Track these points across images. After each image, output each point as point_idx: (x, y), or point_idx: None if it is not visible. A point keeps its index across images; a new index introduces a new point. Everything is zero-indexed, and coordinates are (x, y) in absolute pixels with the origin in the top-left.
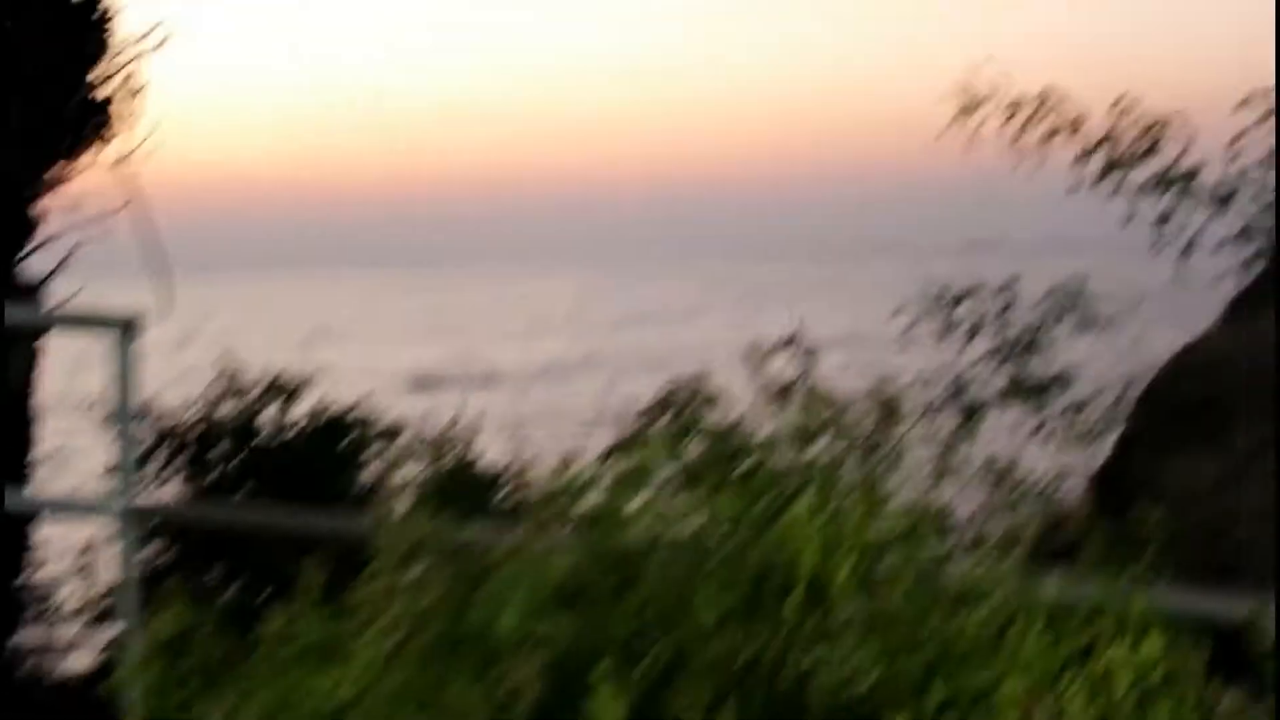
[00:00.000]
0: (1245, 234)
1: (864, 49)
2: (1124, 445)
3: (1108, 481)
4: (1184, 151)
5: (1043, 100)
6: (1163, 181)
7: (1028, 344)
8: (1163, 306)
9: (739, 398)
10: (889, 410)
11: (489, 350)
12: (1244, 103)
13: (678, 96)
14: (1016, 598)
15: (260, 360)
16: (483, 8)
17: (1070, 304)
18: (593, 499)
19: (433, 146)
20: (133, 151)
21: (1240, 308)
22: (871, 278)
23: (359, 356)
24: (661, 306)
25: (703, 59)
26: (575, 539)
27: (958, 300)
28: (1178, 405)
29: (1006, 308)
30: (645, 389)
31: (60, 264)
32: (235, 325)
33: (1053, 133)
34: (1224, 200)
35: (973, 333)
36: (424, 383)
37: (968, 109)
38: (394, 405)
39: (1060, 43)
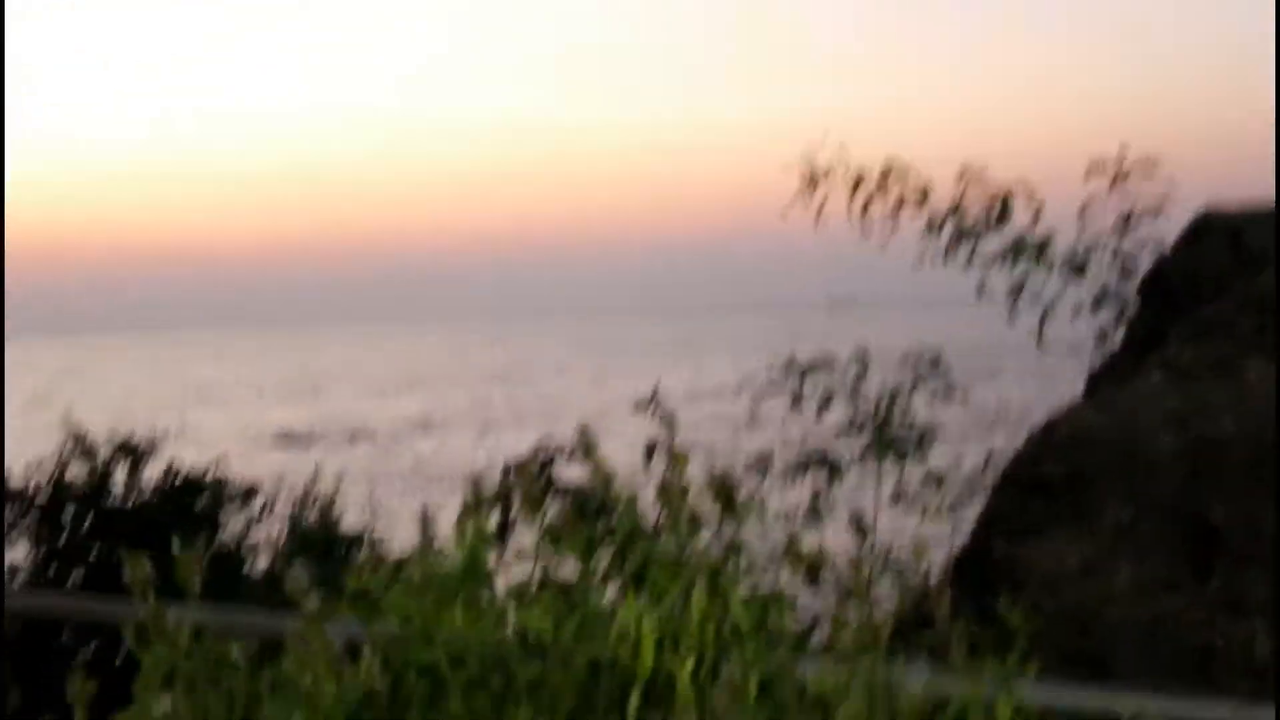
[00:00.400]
0: (1101, 300)
1: (717, 113)
2: (986, 526)
3: (969, 565)
4: (1035, 220)
5: (886, 172)
6: (1014, 251)
7: (886, 410)
8: (1020, 372)
9: (605, 454)
10: (726, 493)
11: (358, 407)
12: (1091, 171)
13: (546, 155)
14: (878, 697)
15: (122, 420)
16: (345, 74)
17: (926, 371)
18: (401, 600)
19: (301, 208)
20: None
21: (1101, 380)
22: (733, 335)
23: (224, 416)
24: (528, 362)
25: (574, 119)
26: (375, 648)
27: (804, 372)
28: (1040, 484)
29: (860, 376)
30: (513, 444)
31: None
32: (96, 386)
33: (900, 203)
34: (1079, 268)
35: (825, 401)
36: (290, 440)
37: (812, 182)
38: (260, 463)
39: (905, 112)
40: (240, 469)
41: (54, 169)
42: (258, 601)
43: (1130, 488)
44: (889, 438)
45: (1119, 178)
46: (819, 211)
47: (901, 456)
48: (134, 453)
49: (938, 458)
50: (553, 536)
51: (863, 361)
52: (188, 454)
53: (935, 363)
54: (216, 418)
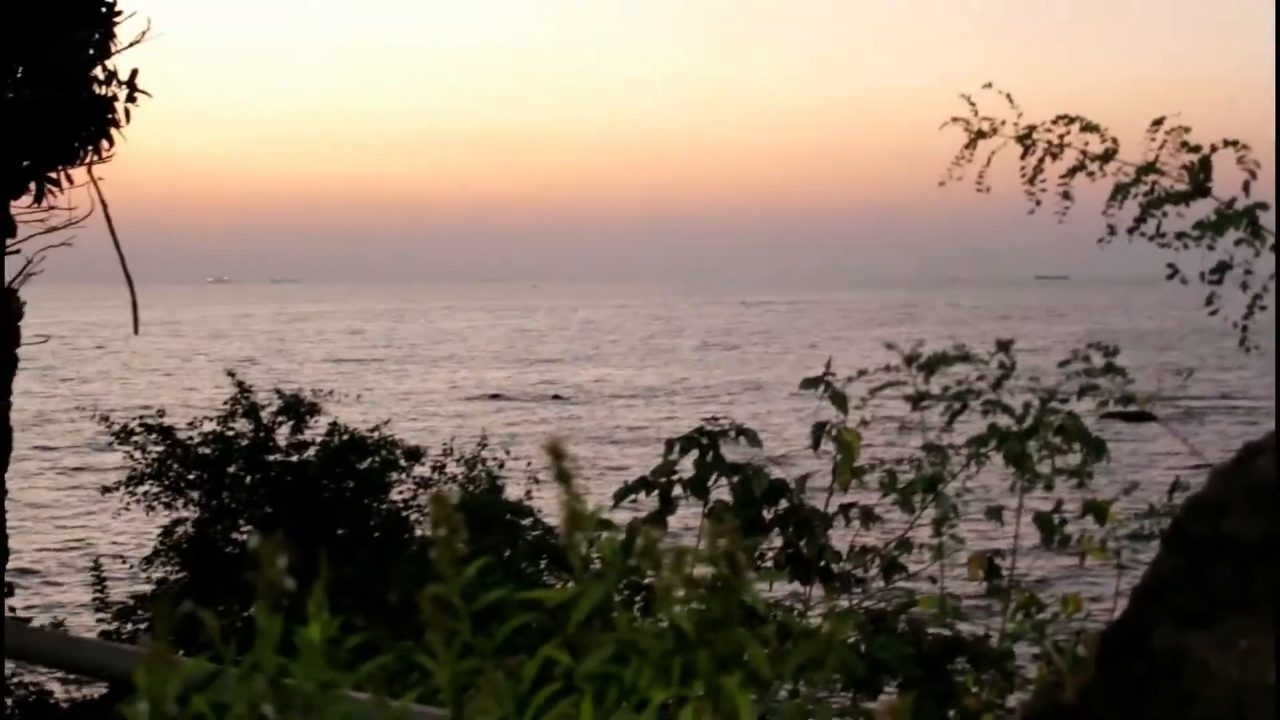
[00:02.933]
0: None
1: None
2: (1146, 599)
3: (1120, 649)
4: (1246, 188)
5: (1060, 125)
6: (1216, 223)
7: (1035, 421)
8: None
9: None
10: None
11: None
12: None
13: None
14: None
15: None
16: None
17: (1099, 374)
18: None
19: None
20: (108, 156)
21: None
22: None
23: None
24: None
25: (689, 87)
26: None
27: (928, 367)
28: (1226, 545)
29: (1004, 377)
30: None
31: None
32: (219, 336)
33: (1080, 165)
34: None
35: (957, 408)
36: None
37: (974, 138)
38: (472, 420)
39: (1082, 73)
40: (437, 426)
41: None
42: (422, 565)
43: None
44: (1029, 452)
45: None
46: (981, 175)
47: (1045, 480)
48: (298, 411)
49: (1109, 483)
50: (717, 516)
51: (1007, 356)
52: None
53: (1110, 367)
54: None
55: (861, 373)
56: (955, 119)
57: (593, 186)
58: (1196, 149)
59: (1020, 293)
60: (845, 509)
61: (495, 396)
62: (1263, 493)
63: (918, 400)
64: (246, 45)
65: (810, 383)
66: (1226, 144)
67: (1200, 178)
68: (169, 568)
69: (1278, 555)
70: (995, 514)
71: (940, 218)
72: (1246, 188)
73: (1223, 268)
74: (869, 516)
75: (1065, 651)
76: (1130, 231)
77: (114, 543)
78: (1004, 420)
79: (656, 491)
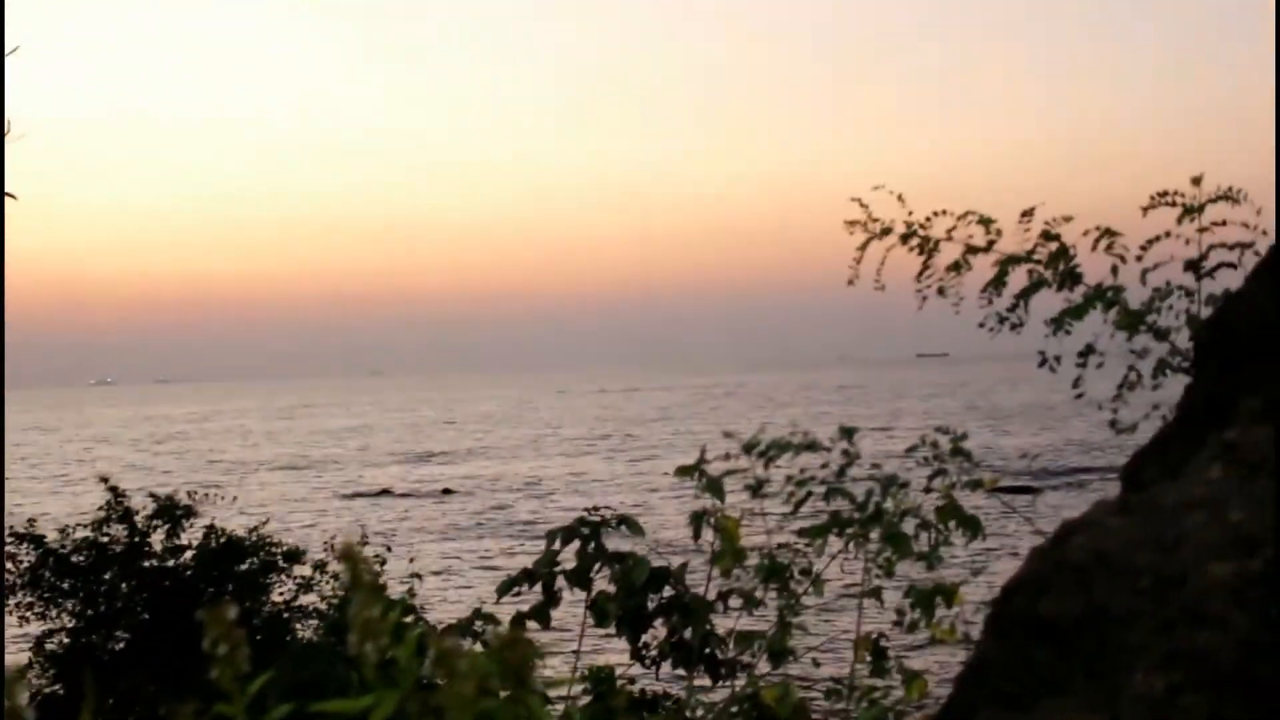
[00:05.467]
0: (1165, 365)
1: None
2: (971, 682)
3: None
4: (1115, 271)
5: (949, 221)
6: (1080, 307)
7: (875, 507)
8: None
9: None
10: None
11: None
12: (1155, 204)
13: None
14: None
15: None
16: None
17: (949, 459)
18: None
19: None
20: None
21: (1143, 473)
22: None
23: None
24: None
25: (585, 172)
26: None
27: (766, 454)
28: (1046, 625)
29: (846, 465)
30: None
31: None
32: (99, 438)
33: (958, 264)
34: (1143, 322)
35: (801, 496)
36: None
37: (869, 241)
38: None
39: (952, 159)
40: (323, 525)
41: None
42: (303, 669)
43: (1171, 641)
44: (905, 533)
45: (1189, 211)
46: (878, 273)
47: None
48: (173, 514)
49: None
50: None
51: (850, 444)
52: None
53: (957, 450)
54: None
55: (706, 463)
56: (850, 222)
57: (475, 279)
58: (1056, 237)
59: (906, 369)
60: (725, 594)
61: (384, 492)
62: (1078, 572)
63: (757, 488)
64: (122, 136)
65: (685, 470)
66: (1101, 233)
67: (1061, 265)
68: (42, 680)
69: (1094, 634)
70: (874, 593)
71: (830, 299)
72: (1115, 271)
73: (1088, 350)
74: (750, 601)
75: None
76: (1001, 321)
77: None
78: (847, 507)
79: (540, 584)
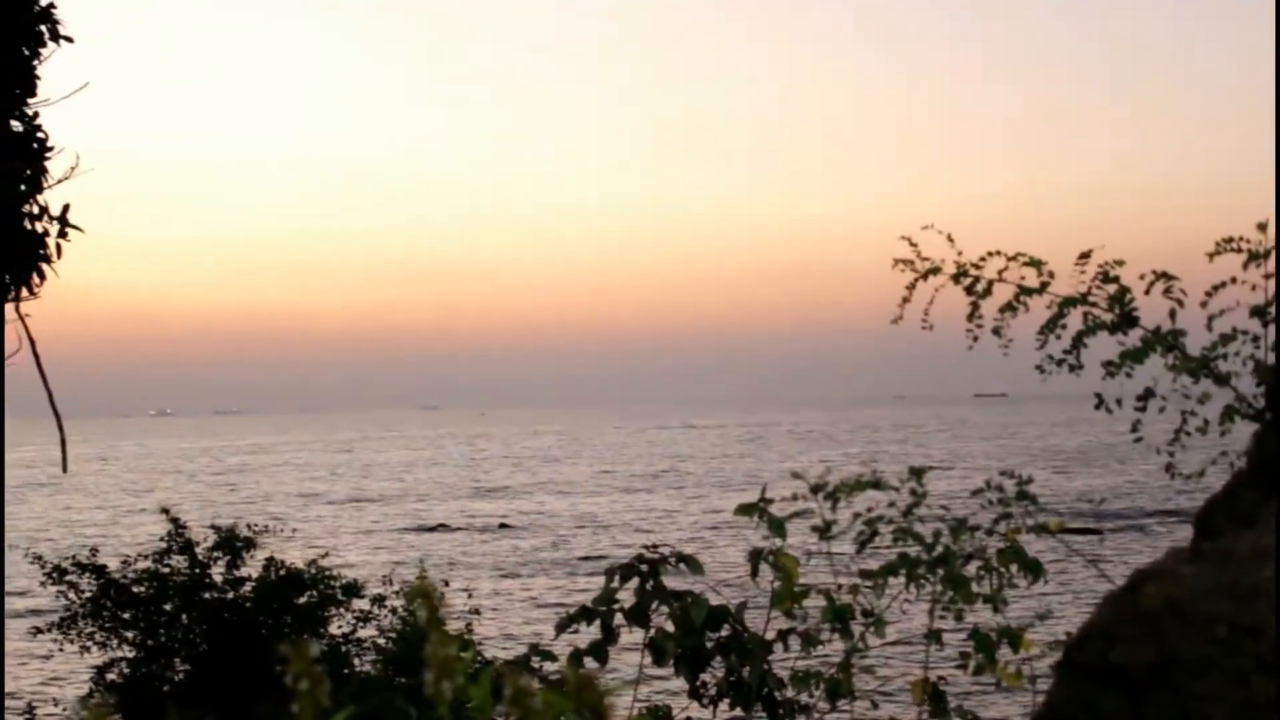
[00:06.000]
0: (1232, 412)
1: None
2: None
3: None
4: (1172, 315)
5: (1001, 262)
6: (1140, 351)
7: (944, 549)
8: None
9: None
10: None
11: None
12: (1220, 250)
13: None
14: None
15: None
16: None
17: (1013, 501)
18: None
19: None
20: (38, 292)
21: (1214, 522)
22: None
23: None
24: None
25: (616, 207)
26: None
27: (833, 495)
28: (1115, 674)
29: (913, 505)
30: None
31: None
32: (153, 468)
33: (1011, 305)
34: (1206, 368)
35: (868, 536)
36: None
37: (918, 280)
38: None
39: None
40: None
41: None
42: (362, 703)
43: (1244, 693)
44: (965, 575)
45: (1255, 257)
46: (926, 312)
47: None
48: (234, 546)
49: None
50: (657, 649)
51: (920, 484)
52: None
53: (1023, 494)
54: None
55: (768, 502)
56: (899, 261)
57: (529, 313)
58: (1115, 280)
59: (963, 409)
60: (784, 634)
61: (440, 527)
62: (1150, 620)
63: (825, 530)
64: (183, 173)
65: (746, 509)
66: (1157, 276)
67: (1118, 308)
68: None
69: (1166, 683)
70: (935, 636)
71: (884, 338)
72: (1173, 315)
73: (1147, 394)
74: (810, 640)
75: None
76: (1058, 364)
77: (44, 683)
78: (914, 548)
79: (598, 621)
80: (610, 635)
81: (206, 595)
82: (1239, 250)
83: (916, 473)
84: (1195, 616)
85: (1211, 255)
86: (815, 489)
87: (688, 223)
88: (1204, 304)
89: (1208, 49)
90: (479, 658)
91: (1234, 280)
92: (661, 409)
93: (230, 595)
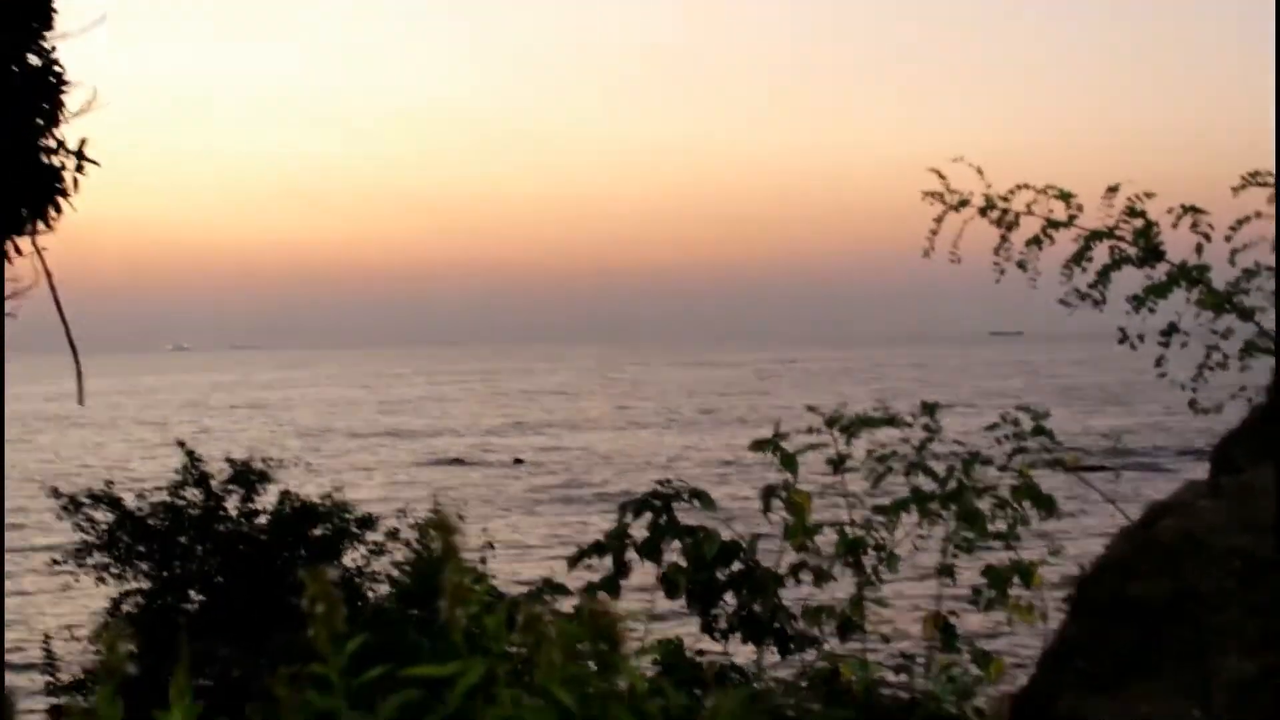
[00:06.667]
0: (1250, 348)
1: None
2: (1053, 664)
3: (1029, 714)
4: (1199, 250)
5: (1029, 195)
6: (1163, 286)
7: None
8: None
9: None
10: None
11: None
12: (1246, 185)
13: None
14: None
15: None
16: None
17: (1029, 436)
18: None
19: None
20: (55, 225)
21: (1231, 457)
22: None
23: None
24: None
25: (634, 148)
26: None
27: (848, 428)
28: (1132, 608)
29: (927, 440)
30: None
31: None
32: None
33: (1038, 238)
34: (1230, 303)
35: (881, 471)
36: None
37: (944, 211)
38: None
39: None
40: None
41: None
42: (376, 631)
43: (1262, 625)
44: (980, 509)
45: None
46: (955, 245)
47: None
48: (248, 479)
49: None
50: (669, 583)
51: (933, 419)
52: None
53: (1039, 429)
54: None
55: (781, 438)
56: (928, 193)
57: (557, 249)
58: (1142, 214)
59: (980, 347)
60: (797, 569)
61: (457, 461)
62: (1167, 554)
63: (839, 463)
64: (196, 102)
65: (760, 444)
66: (1185, 210)
67: (1144, 242)
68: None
69: (1183, 617)
70: (947, 571)
71: (895, 277)
72: (1199, 250)
73: (1171, 330)
74: (821, 575)
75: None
76: (1082, 298)
77: (60, 614)
78: (928, 483)
79: (611, 556)
80: (622, 569)
81: (221, 528)
82: (1263, 185)
83: (929, 408)
84: (1213, 550)
85: (1236, 190)
86: (830, 422)
87: (697, 160)
88: (1228, 238)
89: None
90: (492, 591)
91: (1258, 215)
92: (676, 345)
93: (245, 528)
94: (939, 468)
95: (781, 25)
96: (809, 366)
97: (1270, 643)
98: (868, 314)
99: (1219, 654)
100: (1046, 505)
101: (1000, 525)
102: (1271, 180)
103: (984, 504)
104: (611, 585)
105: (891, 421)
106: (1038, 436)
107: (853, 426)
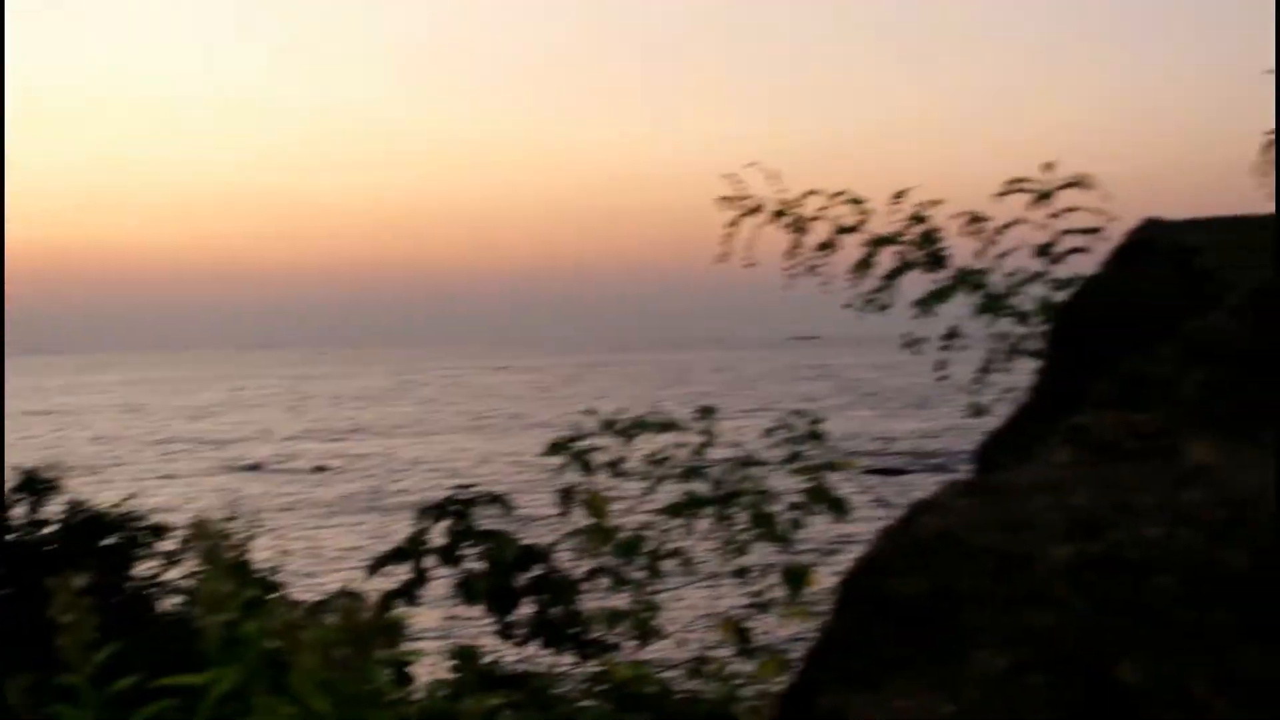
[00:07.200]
0: (1016, 346)
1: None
2: (816, 660)
3: (795, 713)
4: (983, 253)
5: (822, 200)
6: (944, 290)
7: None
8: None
9: None
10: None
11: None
12: (1009, 190)
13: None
14: None
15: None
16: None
17: (803, 441)
18: None
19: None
20: None
21: (992, 455)
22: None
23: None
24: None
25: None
26: None
27: (627, 431)
28: (892, 604)
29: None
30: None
31: None
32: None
33: (829, 243)
34: (1000, 305)
35: (656, 475)
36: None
37: (739, 216)
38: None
39: (832, 144)
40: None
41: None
42: (168, 644)
43: (1012, 621)
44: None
45: (1043, 197)
46: (748, 248)
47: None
48: (36, 488)
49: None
50: (468, 588)
51: (709, 424)
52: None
53: (813, 434)
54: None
55: (577, 441)
56: (723, 198)
57: (351, 250)
58: (924, 220)
59: (780, 352)
60: (593, 573)
61: (256, 468)
62: (925, 551)
63: (615, 466)
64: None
65: (556, 448)
66: (971, 217)
67: (928, 248)
68: None
69: (939, 614)
70: (743, 572)
71: (703, 280)
72: (979, 255)
73: (952, 334)
74: (620, 580)
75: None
76: (868, 302)
77: None
78: (704, 486)
79: (411, 562)
80: (421, 576)
81: (6, 538)
82: (1025, 191)
83: (706, 412)
84: (967, 547)
85: (1000, 195)
86: (607, 425)
87: (498, 156)
88: (993, 243)
89: None
90: (284, 600)
91: (1020, 221)
92: (478, 350)
93: (30, 538)
94: (718, 471)
95: (614, 16)
96: (621, 369)
97: (1020, 639)
98: (676, 318)
99: (972, 650)
100: (837, 507)
101: (780, 528)
102: (1031, 187)
103: (780, 506)
104: (409, 592)
105: (669, 426)
106: (812, 440)
107: (630, 431)
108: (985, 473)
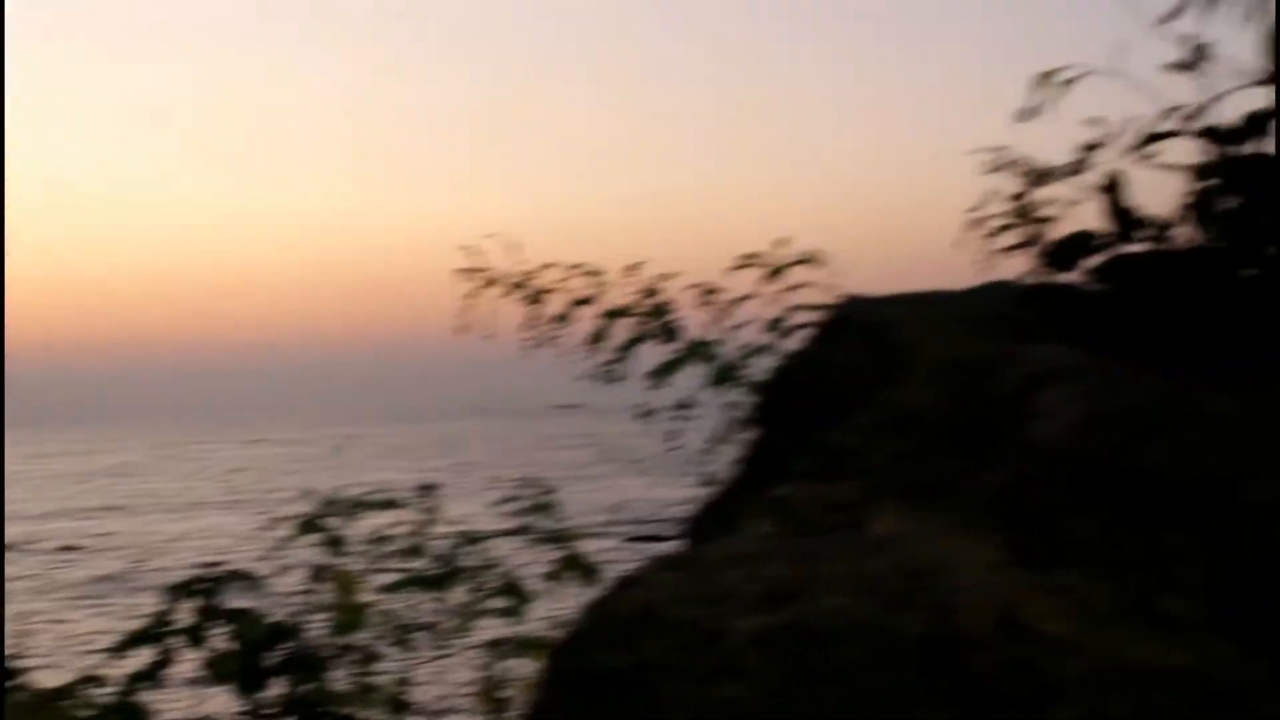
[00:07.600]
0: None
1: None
2: None
3: None
4: (718, 323)
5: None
6: (675, 361)
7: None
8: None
9: None
10: None
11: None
12: (742, 265)
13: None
14: None
15: None
16: None
17: (530, 515)
18: None
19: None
20: None
21: (702, 527)
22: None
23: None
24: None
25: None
26: None
27: (351, 510)
28: (593, 678)
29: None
30: None
31: None
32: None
33: (563, 315)
34: (731, 376)
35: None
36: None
37: (479, 289)
38: None
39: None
40: None
41: None
42: None
43: (705, 693)
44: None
45: (775, 272)
46: (489, 321)
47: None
48: None
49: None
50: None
51: (432, 500)
52: None
53: (540, 505)
54: None
55: (321, 517)
56: (461, 270)
57: (111, 324)
58: (656, 293)
59: (543, 421)
60: (344, 650)
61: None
62: (626, 625)
63: (336, 545)
64: None
65: (303, 526)
66: (705, 290)
67: (659, 320)
68: None
69: (640, 687)
70: (493, 646)
71: (461, 349)
72: (709, 328)
73: (683, 405)
74: (370, 656)
75: None
76: (604, 373)
77: None
78: (426, 564)
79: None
80: (166, 657)
81: None
82: (756, 266)
83: (427, 489)
84: (667, 621)
85: (734, 268)
86: (328, 504)
87: (238, 225)
88: (726, 315)
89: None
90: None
91: (752, 296)
92: (232, 423)
93: None
94: (443, 546)
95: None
96: (386, 440)
97: (712, 709)
98: (442, 387)
99: None
100: (586, 574)
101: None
102: (763, 262)
103: (532, 572)
104: (154, 674)
105: (390, 504)
106: (539, 511)
107: (350, 511)
108: (696, 543)
